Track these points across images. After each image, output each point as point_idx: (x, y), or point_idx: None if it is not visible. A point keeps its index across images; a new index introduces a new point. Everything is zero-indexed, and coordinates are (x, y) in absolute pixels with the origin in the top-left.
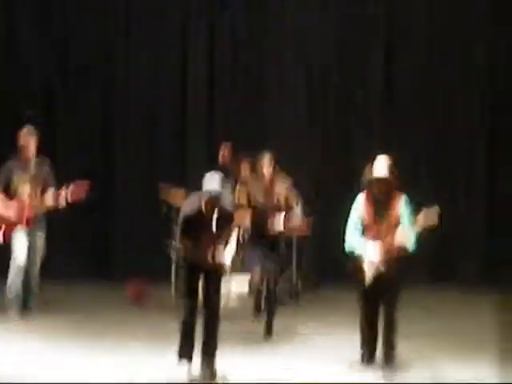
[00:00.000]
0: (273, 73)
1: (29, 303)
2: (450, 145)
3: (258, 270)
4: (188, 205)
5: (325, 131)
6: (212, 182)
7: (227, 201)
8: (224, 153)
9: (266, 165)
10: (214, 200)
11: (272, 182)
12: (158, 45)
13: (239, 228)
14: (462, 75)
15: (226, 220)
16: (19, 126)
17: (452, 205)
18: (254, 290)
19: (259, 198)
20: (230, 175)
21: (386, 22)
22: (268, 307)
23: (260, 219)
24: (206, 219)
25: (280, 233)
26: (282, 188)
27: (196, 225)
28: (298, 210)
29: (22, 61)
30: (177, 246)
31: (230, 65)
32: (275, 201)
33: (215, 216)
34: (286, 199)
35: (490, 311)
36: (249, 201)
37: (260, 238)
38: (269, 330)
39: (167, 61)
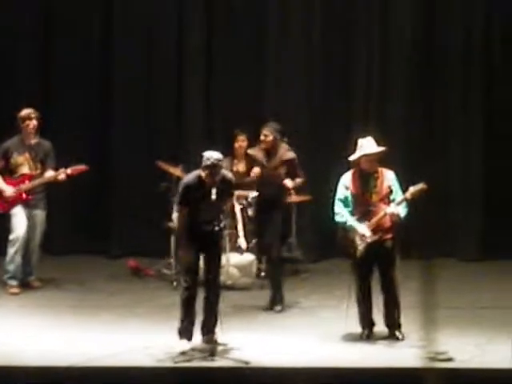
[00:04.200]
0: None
1: (28, 278)
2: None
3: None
4: (188, 175)
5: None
6: (212, 152)
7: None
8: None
9: (267, 132)
10: (214, 166)
11: (274, 149)
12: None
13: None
14: None
15: (227, 187)
16: (19, 106)
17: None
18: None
19: (264, 162)
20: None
21: None
22: (272, 281)
23: (266, 182)
24: (207, 188)
25: (282, 200)
26: (285, 157)
27: (196, 194)
28: (298, 182)
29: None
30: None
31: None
32: (279, 167)
33: (216, 183)
34: (289, 168)
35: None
36: (251, 166)
37: (263, 205)
38: (272, 305)
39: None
